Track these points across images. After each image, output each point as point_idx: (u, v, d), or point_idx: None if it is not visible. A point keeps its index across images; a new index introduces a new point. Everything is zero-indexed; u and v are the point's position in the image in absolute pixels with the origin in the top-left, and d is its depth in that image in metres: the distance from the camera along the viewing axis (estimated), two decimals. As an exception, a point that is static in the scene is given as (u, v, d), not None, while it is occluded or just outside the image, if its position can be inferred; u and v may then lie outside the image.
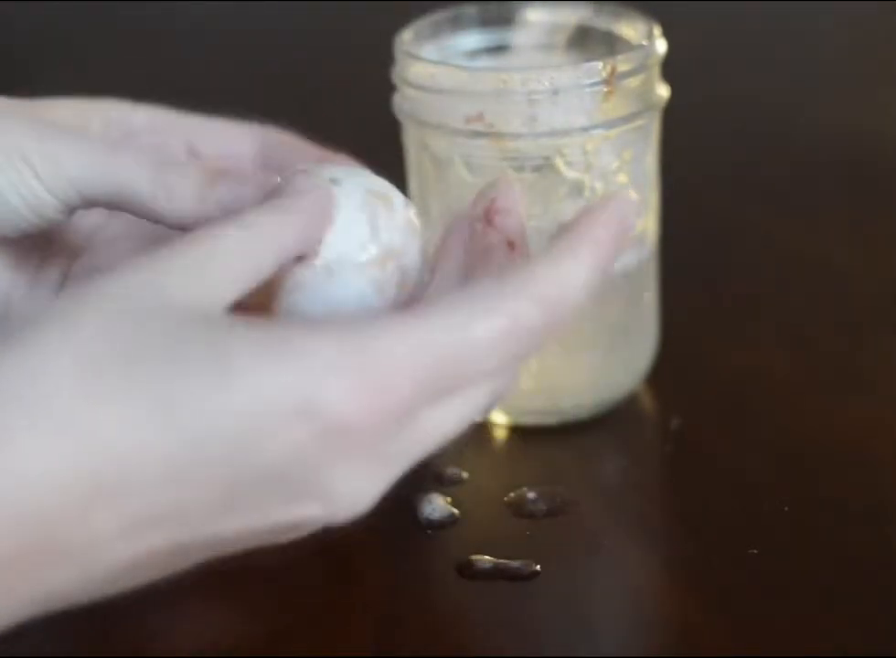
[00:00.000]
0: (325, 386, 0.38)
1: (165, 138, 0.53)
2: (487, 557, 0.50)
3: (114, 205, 0.47)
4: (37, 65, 1.02)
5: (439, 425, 0.41)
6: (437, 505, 0.53)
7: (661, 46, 0.56)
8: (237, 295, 0.41)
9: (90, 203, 0.48)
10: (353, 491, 0.40)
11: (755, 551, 0.50)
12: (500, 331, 0.39)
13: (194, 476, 0.38)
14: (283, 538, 0.41)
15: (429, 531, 0.52)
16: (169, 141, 0.53)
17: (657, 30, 0.56)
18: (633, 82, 0.54)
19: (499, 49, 0.61)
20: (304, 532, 0.41)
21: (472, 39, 0.60)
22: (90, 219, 0.53)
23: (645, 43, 0.56)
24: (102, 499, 0.37)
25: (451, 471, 0.56)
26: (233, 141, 0.53)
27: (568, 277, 0.41)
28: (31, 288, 0.53)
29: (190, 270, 0.40)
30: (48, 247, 0.53)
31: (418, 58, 0.55)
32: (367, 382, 0.38)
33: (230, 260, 0.41)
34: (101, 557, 0.38)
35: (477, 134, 0.53)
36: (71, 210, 0.48)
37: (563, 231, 0.42)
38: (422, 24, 0.59)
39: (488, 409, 0.43)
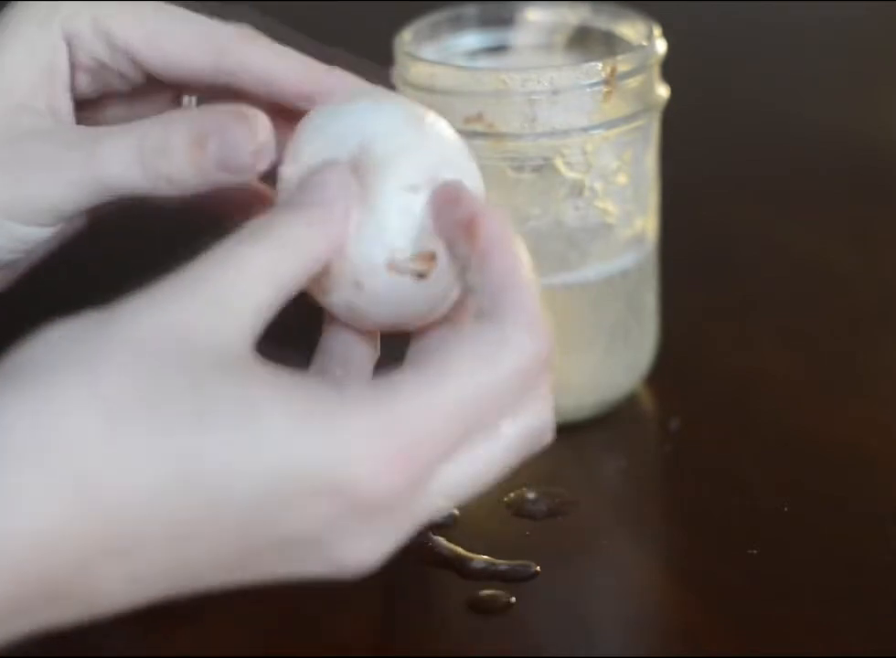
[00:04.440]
0: (358, 462, 0.38)
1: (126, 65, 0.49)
2: (487, 557, 0.50)
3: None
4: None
5: (453, 483, 0.41)
6: (437, 505, 0.53)
7: (661, 46, 0.56)
8: (264, 321, 0.40)
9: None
10: (362, 555, 0.40)
11: (755, 551, 0.50)
12: (511, 371, 0.41)
13: (205, 538, 0.38)
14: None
15: (429, 531, 0.52)
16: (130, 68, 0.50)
17: (657, 30, 0.56)
18: (632, 82, 0.54)
19: (499, 49, 0.61)
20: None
21: (472, 39, 0.60)
22: None
23: (645, 43, 0.56)
24: (109, 554, 0.37)
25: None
26: (187, 54, 0.49)
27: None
28: None
29: (212, 303, 0.39)
30: None
31: (418, 59, 0.55)
32: (396, 455, 0.38)
33: (256, 284, 0.39)
34: (102, 601, 0.38)
35: (477, 135, 0.53)
36: (69, 223, 0.48)
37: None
38: (422, 24, 0.59)
39: (522, 451, 0.42)
